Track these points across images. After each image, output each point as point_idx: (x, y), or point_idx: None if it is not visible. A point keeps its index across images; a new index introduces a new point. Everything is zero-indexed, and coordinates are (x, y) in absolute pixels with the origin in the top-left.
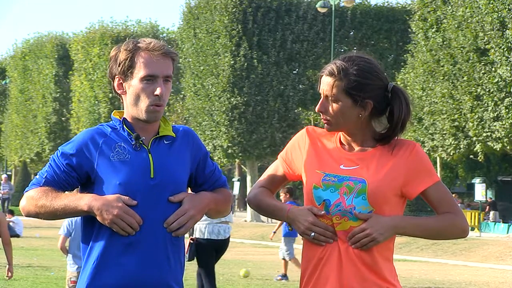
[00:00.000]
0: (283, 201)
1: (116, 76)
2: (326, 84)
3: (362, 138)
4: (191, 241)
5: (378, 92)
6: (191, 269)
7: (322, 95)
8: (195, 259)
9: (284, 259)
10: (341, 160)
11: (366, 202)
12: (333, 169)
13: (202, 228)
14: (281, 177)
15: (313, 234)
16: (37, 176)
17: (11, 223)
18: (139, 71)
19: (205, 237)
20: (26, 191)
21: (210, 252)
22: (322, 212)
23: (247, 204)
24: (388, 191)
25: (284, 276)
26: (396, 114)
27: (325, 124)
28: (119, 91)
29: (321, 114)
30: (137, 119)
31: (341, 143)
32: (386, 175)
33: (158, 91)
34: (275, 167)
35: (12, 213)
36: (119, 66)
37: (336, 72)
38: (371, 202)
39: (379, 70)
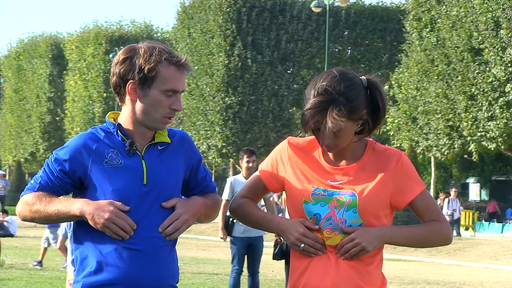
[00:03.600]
0: None
1: (131, 81)
2: (325, 121)
3: (351, 147)
4: (279, 240)
5: (363, 95)
6: (185, 269)
7: (320, 131)
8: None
9: (45, 247)
10: (328, 173)
11: (356, 215)
12: (322, 183)
13: None
14: (262, 189)
15: (302, 245)
16: (32, 181)
17: (5, 223)
18: (163, 84)
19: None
20: (22, 196)
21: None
22: (316, 227)
23: (230, 214)
24: (378, 204)
25: (40, 263)
26: (381, 105)
27: (325, 148)
28: (130, 96)
29: (322, 144)
30: (141, 124)
31: (323, 154)
32: (375, 188)
33: (177, 107)
34: (257, 179)
35: (6, 212)
36: (138, 72)
37: (331, 107)
38: (361, 215)
39: (356, 77)
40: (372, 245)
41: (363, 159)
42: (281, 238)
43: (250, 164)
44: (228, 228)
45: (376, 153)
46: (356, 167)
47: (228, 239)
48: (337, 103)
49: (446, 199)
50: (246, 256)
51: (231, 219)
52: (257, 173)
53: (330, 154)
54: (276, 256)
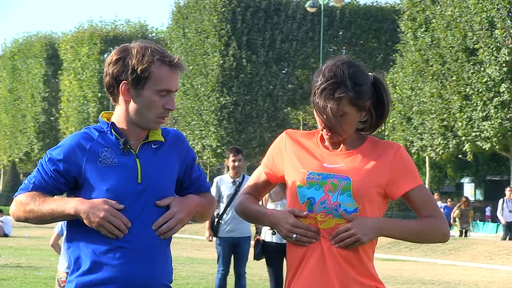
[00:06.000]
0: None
1: (124, 81)
2: (332, 101)
3: (352, 138)
4: (257, 241)
5: (369, 89)
6: (180, 269)
7: (325, 112)
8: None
9: None
10: (324, 158)
11: (351, 199)
12: (317, 167)
13: (267, 230)
14: (264, 182)
15: (295, 236)
16: (26, 181)
17: (0, 223)
18: (156, 84)
19: (268, 240)
20: (15, 196)
21: (276, 254)
22: (304, 213)
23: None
24: (372, 189)
25: None
26: (386, 101)
27: (328, 136)
28: (123, 96)
29: (326, 129)
30: (135, 124)
31: (322, 141)
32: (370, 173)
33: (171, 107)
34: (258, 174)
35: (1, 212)
36: (131, 73)
37: (339, 87)
38: (356, 199)
39: (365, 68)
40: (367, 237)
41: (361, 147)
42: (259, 239)
43: (236, 163)
44: (213, 229)
45: (375, 144)
46: (353, 153)
47: (214, 239)
48: (345, 85)
49: (501, 200)
50: (233, 257)
51: (216, 220)
52: (259, 168)
53: (329, 141)
54: (257, 256)
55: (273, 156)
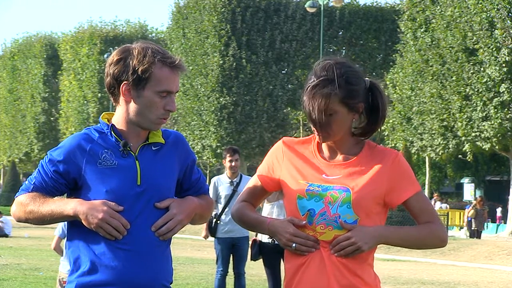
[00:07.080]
0: None
1: (125, 82)
2: (320, 98)
3: (348, 144)
4: (254, 242)
5: (364, 92)
6: (180, 269)
7: (313, 109)
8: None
9: None
10: (323, 169)
11: (351, 210)
12: (316, 178)
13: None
14: (261, 190)
15: (294, 245)
16: (26, 182)
17: (0, 223)
18: (157, 85)
19: (265, 241)
20: (16, 197)
21: (273, 254)
22: (303, 222)
23: (233, 219)
24: (372, 200)
25: None
26: (381, 107)
27: (319, 136)
28: (124, 97)
29: (315, 128)
30: (135, 125)
31: (319, 151)
32: (369, 184)
33: (171, 108)
34: (255, 181)
35: (0, 213)
36: (132, 73)
37: (329, 85)
38: (356, 211)
39: (360, 71)
40: (367, 245)
41: (359, 156)
42: (256, 239)
43: (233, 163)
44: (212, 230)
45: (372, 151)
46: (351, 163)
47: (211, 239)
48: (335, 83)
49: None
50: (232, 257)
51: (215, 220)
52: (255, 176)
53: (326, 150)
54: (254, 257)
55: (269, 164)
